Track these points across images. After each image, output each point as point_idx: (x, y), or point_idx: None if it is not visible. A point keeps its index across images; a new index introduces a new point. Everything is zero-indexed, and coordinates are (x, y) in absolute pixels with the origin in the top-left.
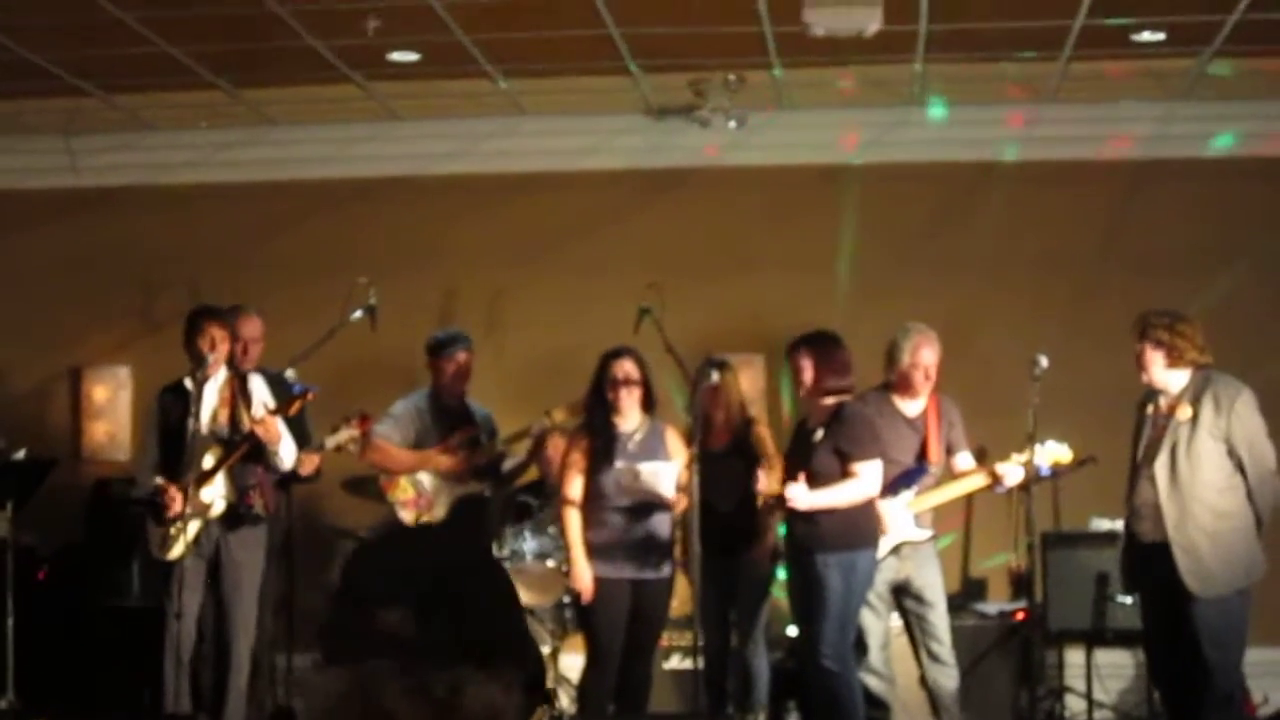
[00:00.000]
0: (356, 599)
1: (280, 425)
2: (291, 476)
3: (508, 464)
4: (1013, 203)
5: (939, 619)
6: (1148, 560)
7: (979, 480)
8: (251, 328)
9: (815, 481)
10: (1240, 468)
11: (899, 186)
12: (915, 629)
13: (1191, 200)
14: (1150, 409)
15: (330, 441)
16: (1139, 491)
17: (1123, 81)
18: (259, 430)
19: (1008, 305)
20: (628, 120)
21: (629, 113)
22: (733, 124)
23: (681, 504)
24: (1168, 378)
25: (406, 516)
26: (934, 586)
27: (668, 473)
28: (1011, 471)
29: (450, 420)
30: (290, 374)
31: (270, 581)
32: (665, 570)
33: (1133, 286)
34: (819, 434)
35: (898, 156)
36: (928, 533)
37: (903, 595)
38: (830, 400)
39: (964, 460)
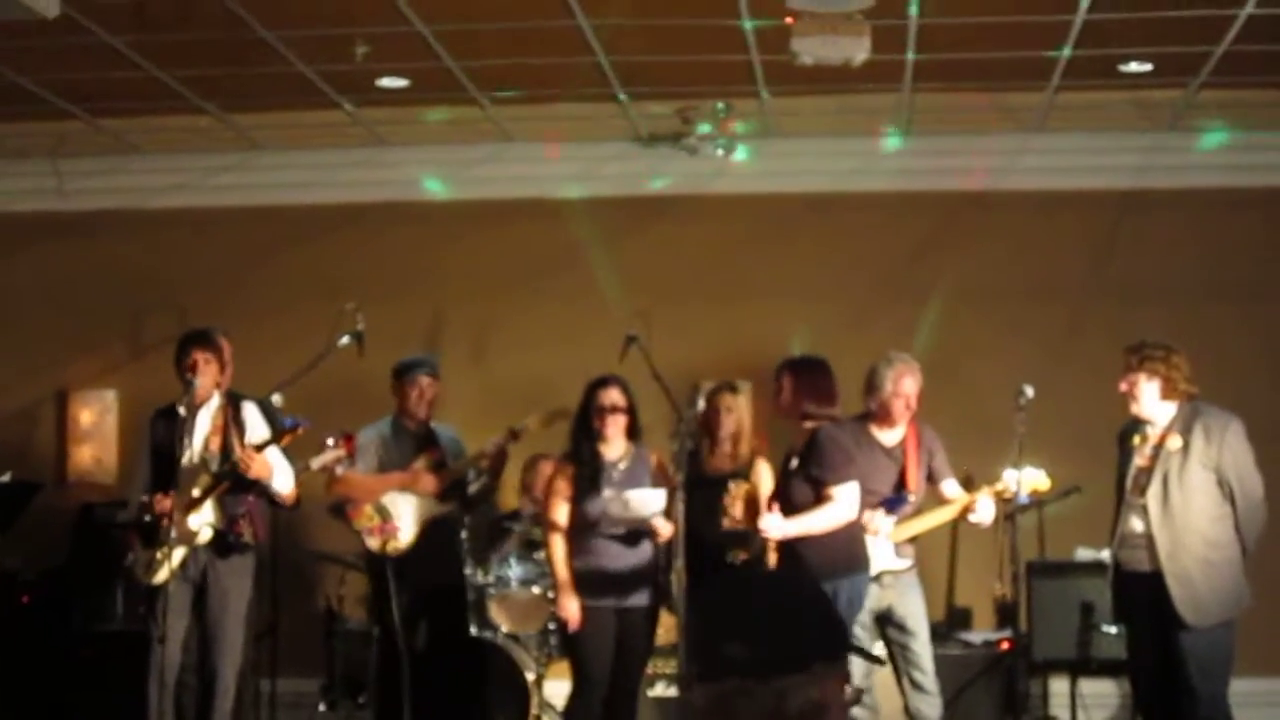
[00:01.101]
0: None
1: (275, 455)
2: (271, 503)
3: (473, 487)
4: (999, 232)
5: (921, 648)
6: (1137, 590)
7: (952, 511)
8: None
9: (791, 510)
10: (1230, 497)
11: (885, 215)
12: (898, 658)
13: (1178, 231)
14: (1136, 439)
15: (315, 463)
16: (1128, 522)
17: (1110, 112)
18: (242, 466)
19: (993, 335)
20: (615, 147)
21: (617, 140)
22: (720, 151)
23: (666, 532)
24: (1158, 409)
25: (372, 544)
26: (916, 615)
27: (656, 500)
28: (983, 502)
29: (414, 444)
30: (277, 399)
31: (252, 607)
32: (649, 598)
33: (1119, 317)
34: (794, 462)
35: (884, 185)
36: (908, 562)
37: (885, 624)
38: (807, 425)
39: (950, 488)
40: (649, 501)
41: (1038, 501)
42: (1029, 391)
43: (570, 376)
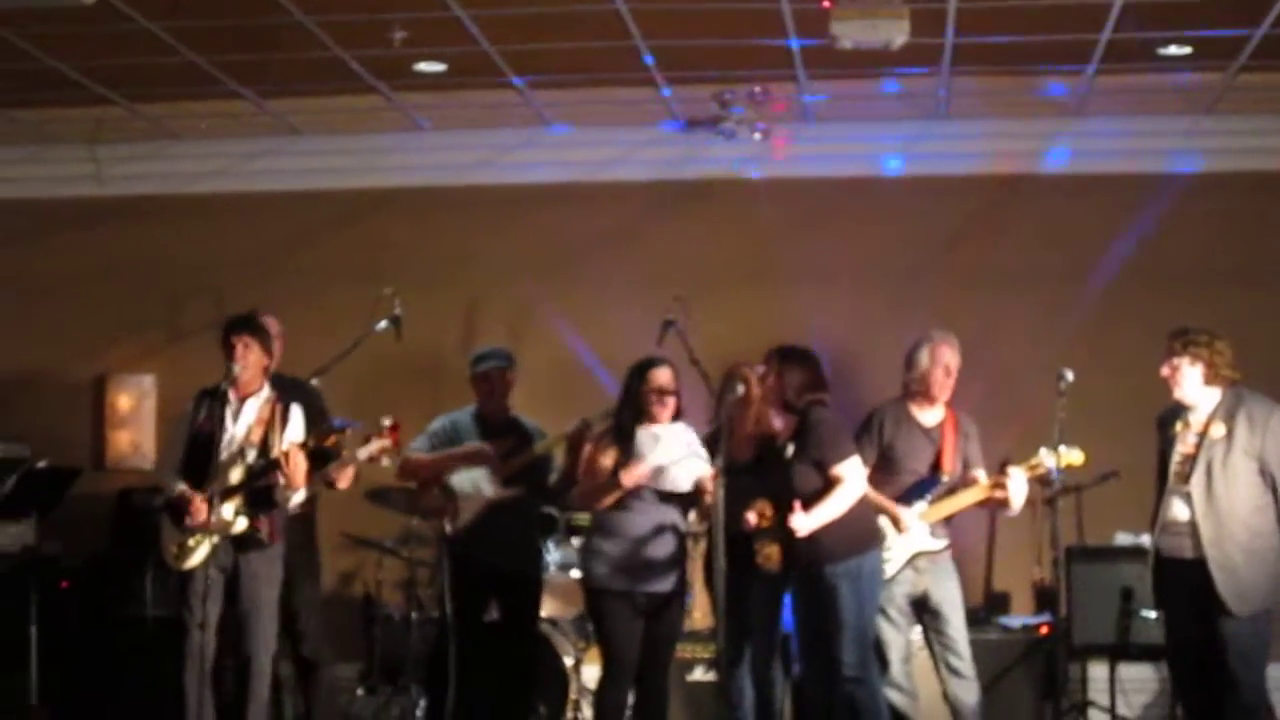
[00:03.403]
0: None
1: (301, 475)
2: (329, 487)
3: (553, 476)
4: (1038, 216)
5: (957, 633)
6: (1178, 577)
7: (983, 489)
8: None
9: (803, 500)
10: (1273, 487)
11: (923, 200)
12: (934, 643)
13: (1217, 215)
14: (1178, 426)
15: (362, 453)
16: (1171, 508)
17: (1150, 95)
18: (284, 461)
19: (1032, 319)
20: (653, 132)
21: (654, 124)
22: (758, 136)
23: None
24: (1201, 395)
25: (438, 526)
26: (951, 600)
27: (694, 471)
28: (1015, 478)
29: (496, 433)
30: (315, 383)
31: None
32: (675, 584)
33: (1156, 301)
34: (789, 450)
35: (923, 170)
36: (943, 542)
37: (921, 609)
38: (785, 418)
39: (981, 476)
40: (686, 474)
41: (1071, 483)
42: (1069, 375)
43: (609, 363)
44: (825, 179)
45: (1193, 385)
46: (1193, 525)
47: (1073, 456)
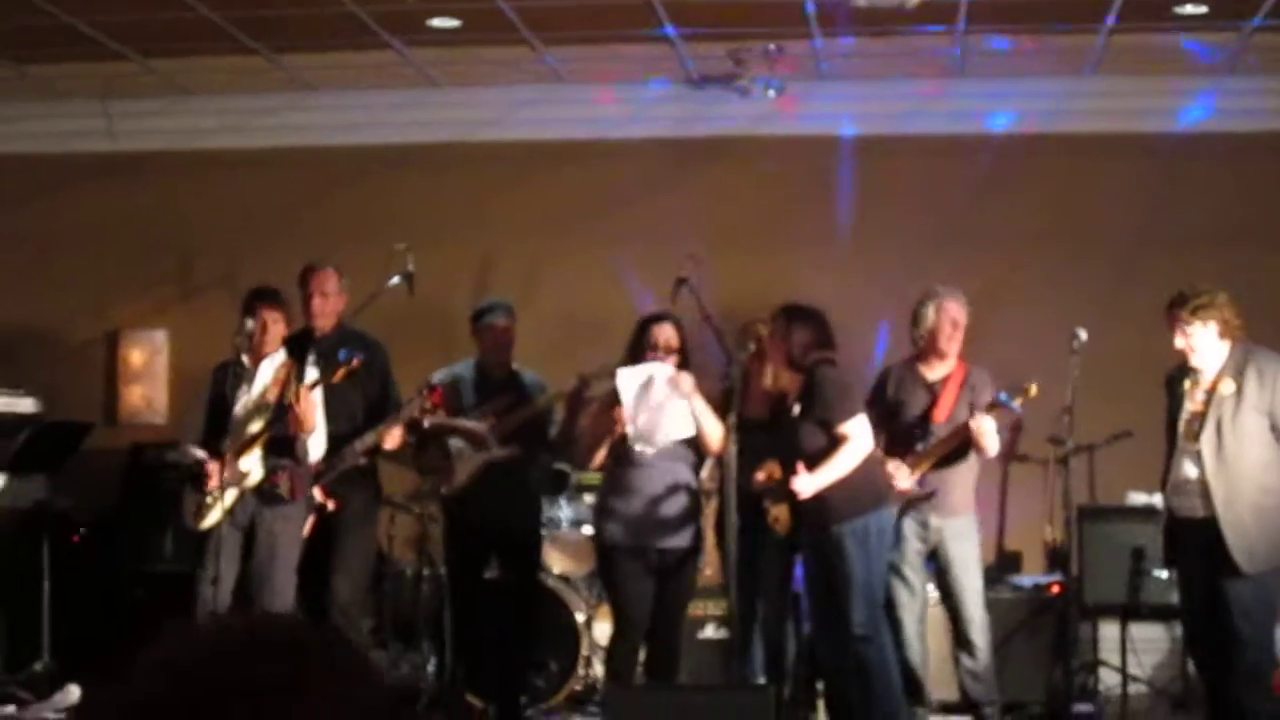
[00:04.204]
0: None
1: (318, 415)
2: (376, 450)
3: (554, 429)
4: (1051, 177)
5: (967, 595)
6: (1189, 536)
7: (952, 436)
8: (329, 282)
9: (808, 460)
10: None
11: (937, 160)
12: (946, 604)
13: (1231, 176)
14: (1188, 384)
15: (404, 413)
16: (1181, 467)
17: (1165, 55)
18: (296, 405)
19: (1045, 280)
20: (666, 89)
21: (667, 81)
22: (772, 93)
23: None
24: (1212, 351)
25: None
26: (962, 561)
27: (686, 420)
28: (981, 419)
29: (494, 389)
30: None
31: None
32: (689, 540)
33: (1170, 262)
34: (796, 409)
35: (936, 128)
36: (929, 488)
37: (935, 567)
38: (791, 377)
39: (989, 425)
40: (680, 423)
41: (1084, 442)
42: (1083, 335)
43: (621, 320)
44: (838, 138)
45: (1207, 342)
46: (1203, 483)
47: (1023, 391)
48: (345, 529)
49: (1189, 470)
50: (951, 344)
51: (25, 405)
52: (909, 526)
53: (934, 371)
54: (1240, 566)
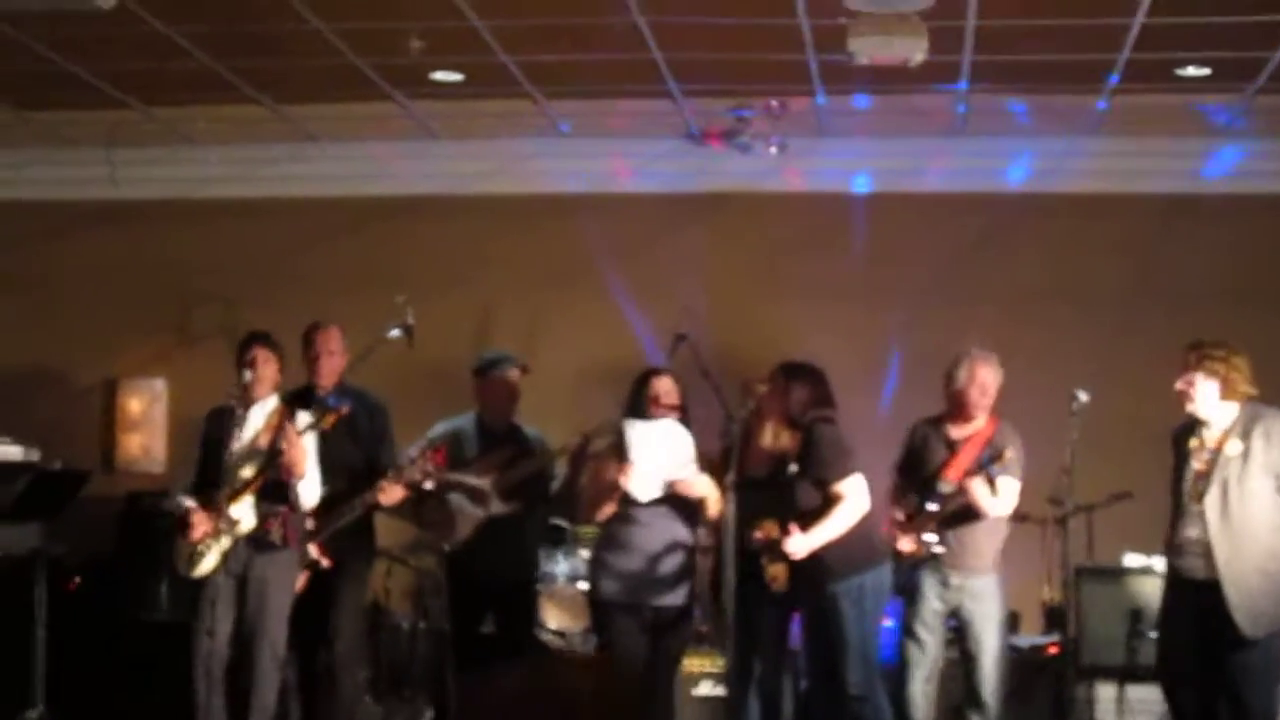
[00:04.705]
0: None
1: (310, 461)
2: (374, 506)
3: (555, 485)
4: (1048, 235)
5: (982, 654)
6: (1188, 598)
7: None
8: (334, 340)
9: (804, 519)
10: None
11: (938, 217)
12: (961, 661)
13: (1230, 236)
14: (1193, 443)
15: (408, 473)
16: (1184, 528)
17: (1162, 116)
18: (285, 448)
19: (1042, 339)
20: (669, 144)
21: (670, 137)
22: (774, 150)
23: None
24: (1217, 410)
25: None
26: (980, 620)
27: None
28: (972, 483)
29: (497, 442)
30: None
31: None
32: (684, 598)
33: (1168, 322)
34: (793, 467)
35: (939, 186)
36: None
37: (955, 625)
38: (790, 435)
39: (1005, 485)
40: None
41: (1083, 503)
42: (1083, 397)
43: (622, 373)
44: (839, 194)
45: (1208, 400)
46: (1205, 544)
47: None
48: (341, 581)
49: (1191, 530)
50: (979, 409)
51: (24, 453)
52: (929, 585)
53: (960, 430)
54: (1242, 630)
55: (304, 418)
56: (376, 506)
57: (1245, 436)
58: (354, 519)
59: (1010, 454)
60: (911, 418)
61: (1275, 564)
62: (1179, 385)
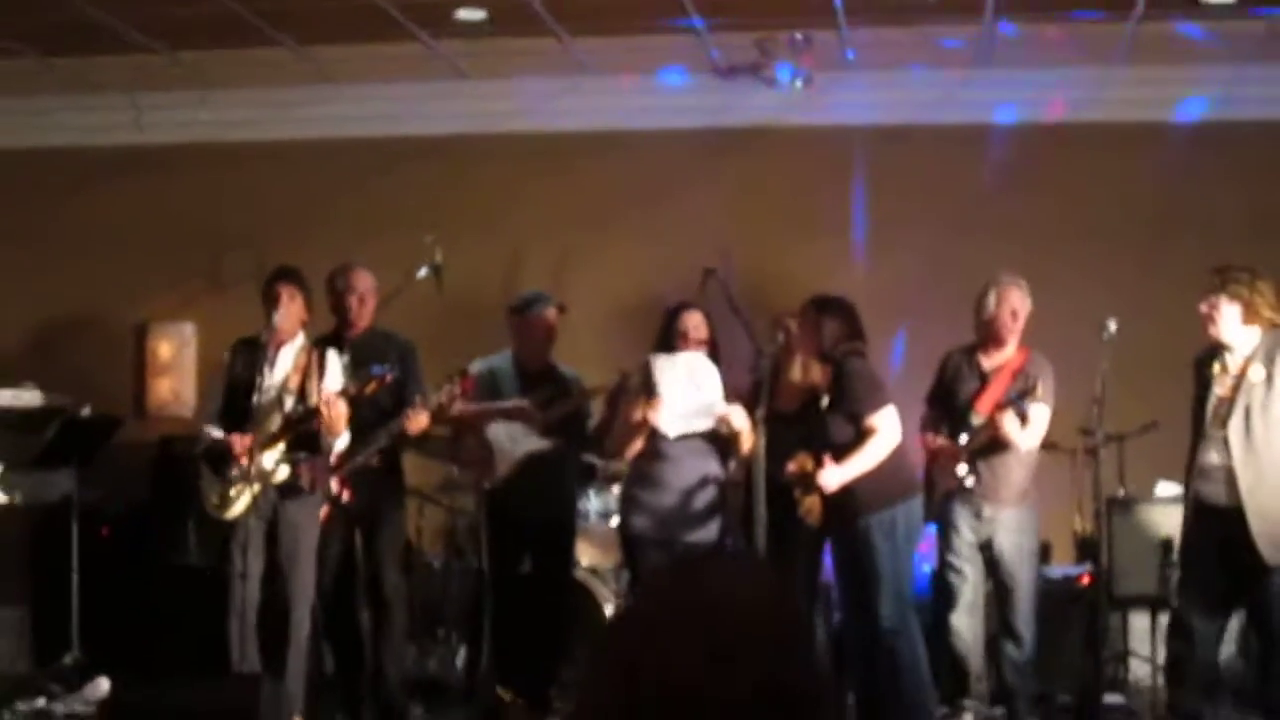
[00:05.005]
0: None
1: (342, 418)
2: (401, 436)
3: (591, 423)
4: (1078, 166)
5: (1016, 585)
6: (1210, 524)
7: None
8: (365, 282)
9: (837, 453)
10: None
11: (963, 149)
12: (997, 593)
13: (1261, 165)
14: (1216, 368)
15: (434, 399)
16: (1207, 453)
17: (1193, 44)
18: (324, 410)
19: (1072, 270)
20: (693, 80)
21: (697, 72)
22: (799, 84)
23: (745, 445)
24: (1239, 335)
25: (473, 476)
26: (1012, 552)
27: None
28: (1004, 417)
29: (535, 382)
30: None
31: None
32: (715, 532)
33: (1200, 253)
34: (824, 401)
35: (963, 118)
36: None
37: (989, 557)
38: (822, 369)
39: (1036, 415)
40: (705, 417)
41: (1114, 433)
42: (1112, 326)
43: (650, 311)
44: (866, 128)
45: (1230, 324)
46: (1229, 470)
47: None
48: (378, 525)
49: (1215, 457)
50: (1010, 334)
51: (55, 399)
52: (961, 517)
53: (991, 360)
54: (1265, 557)
55: (340, 380)
56: (404, 436)
57: (1269, 362)
58: (380, 449)
59: (1041, 388)
60: (939, 353)
61: None
62: (1202, 308)
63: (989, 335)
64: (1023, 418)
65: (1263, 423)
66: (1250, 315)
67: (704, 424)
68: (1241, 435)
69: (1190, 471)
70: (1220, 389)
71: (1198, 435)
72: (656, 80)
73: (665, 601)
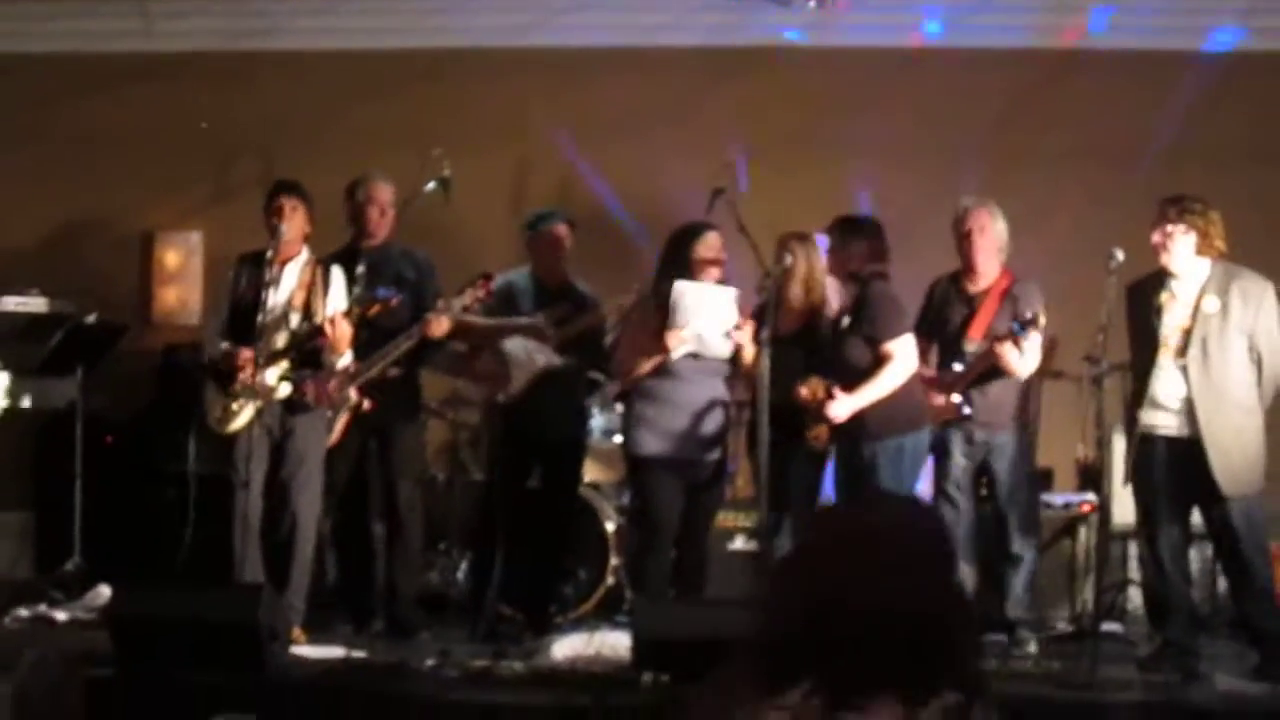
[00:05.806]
0: None
1: (346, 337)
2: (422, 343)
3: (608, 340)
4: (1091, 94)
5: (1010, 510)
6: (1163, 454)
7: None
8: (385, 194)
9: (849, 374)
10: (1258, 365)
11: (976, 74)
12: (994, 519)
13: (1270, 96)
14: (1164, 296)
15: (456, 304)
16: (1161, 383)
17: None
18: (329, 329)
19: (1080, 197)
20: None
21: None
22: (813, 4)
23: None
24: (1190, 265)
25: (484, 391)
26: (1005, 476)
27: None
28: (1004, 347)
29: (552, 298)
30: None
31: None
32: (722, 454)
33: (1207, 182)
34: (845, 321)
35: (976, 42)
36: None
37: (983, 482)
38: (844, 289)
39: (1031, 342)
40: (723, 341)
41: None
42: (1119, 255)
43: (656, 229)
44: (878, 49)
45: (1183, 253)
46: (1188, 402)
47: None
48: (396, 433)
49: (1171, 386)
50: (982, 255)
51: (60, 305)
52: (955, 442)
53: (975, 285)
54: (1222, 488)
55: (345, 301)
56: (425, 343)
57: (1223, 294)
58: (400, 357)
59: (1042, 318)
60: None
61: (1250, 420)
62: (1155, 237)
63: (964, 260)
64: (1017, 344)
65: (1220, 354)
66: (1204, 245)
67: (721, 350)
68: (1200, 366)
69: (1137, 402)
70: (1175, 319)
71: (1144, 365)
72: None
73: (841, 532)
